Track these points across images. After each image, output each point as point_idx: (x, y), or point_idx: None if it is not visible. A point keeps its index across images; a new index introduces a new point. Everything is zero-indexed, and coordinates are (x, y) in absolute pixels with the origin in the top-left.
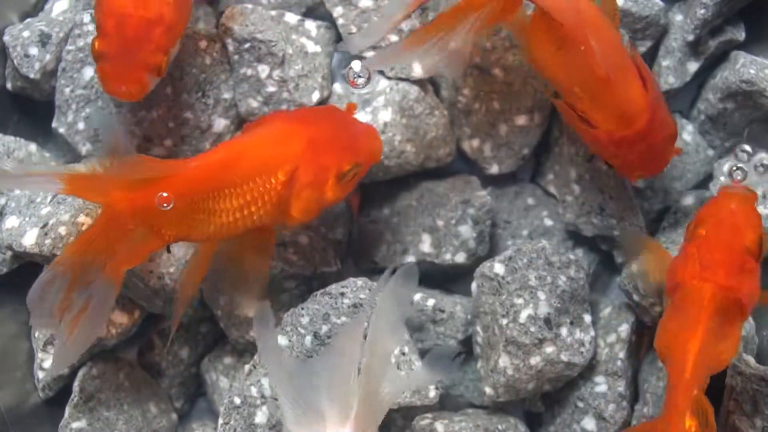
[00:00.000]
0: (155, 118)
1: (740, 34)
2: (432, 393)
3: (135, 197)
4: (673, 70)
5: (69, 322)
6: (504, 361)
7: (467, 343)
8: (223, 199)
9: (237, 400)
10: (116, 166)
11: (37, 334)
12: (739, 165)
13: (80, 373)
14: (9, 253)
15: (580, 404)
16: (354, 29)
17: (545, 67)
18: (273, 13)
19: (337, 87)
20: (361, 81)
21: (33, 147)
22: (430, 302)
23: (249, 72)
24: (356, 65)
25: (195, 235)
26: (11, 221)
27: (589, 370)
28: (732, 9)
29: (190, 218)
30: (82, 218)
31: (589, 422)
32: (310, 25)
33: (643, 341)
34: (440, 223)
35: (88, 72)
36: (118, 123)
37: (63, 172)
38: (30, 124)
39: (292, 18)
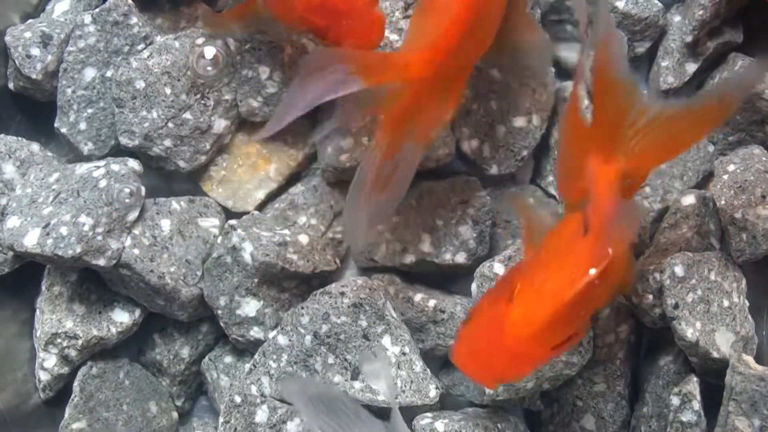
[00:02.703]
0: (155, 119)
1: (738, 36)
2: (432, 392)
3: (429, 58)
4: (672, 70)
5: (378, 186)
6: None
7: None
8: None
9: (237, 399)
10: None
11: (38, 334)
12: None
13: (80, 373)
14: (10, 254)
15: (579, 403)
16: None
17: None
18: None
19: None
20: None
21: (35, 147)
22: (431, 303)
23: (250, 73)
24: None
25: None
26: (12, 221)
27: (588, 369)
28: (730, 11)
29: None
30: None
31: (588, 421)
32: None
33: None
34: (440, 222)
35: (90, 73)
36: None
37: (355, 66)
38: (32, 124)
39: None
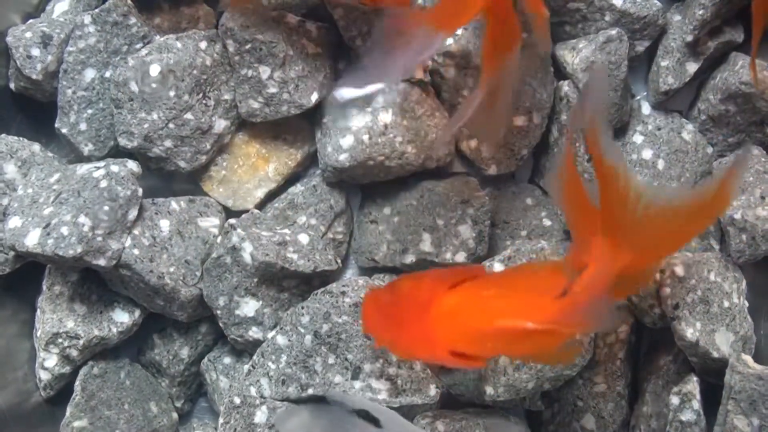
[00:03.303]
0: (156, 119)
1: (739, 36)
2: (432, 392)
3: None
4: (672, 70)
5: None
6: (504, 360)
7: None
8: None
9: (237, 400)
10: None
11: (39, 334)
12: None
13: (82, 372)
14: (11, 253)
15: (580, 403)
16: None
17: None
18: (274, 13)
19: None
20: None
21: (36, 147)
22: None
23: (250, 73)
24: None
25: None
26: (14, 221)
27: (588, 369)
28: (731, 10)
29: None
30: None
31: (588, 421)
32: (311, 26)
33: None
34: (440, 222)
35: (90, 73)
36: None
37: (431, 22)
38: (33, 124)
39: (292, 19)
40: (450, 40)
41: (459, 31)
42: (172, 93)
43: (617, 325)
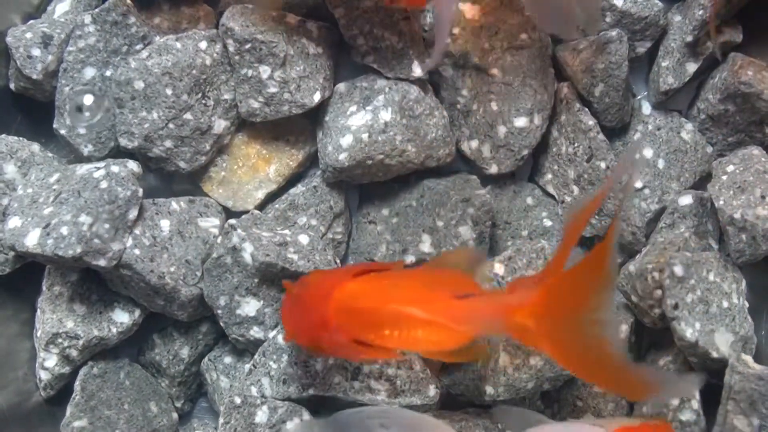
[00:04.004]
0: (155, 119)
1: (738, 36)
2: (432, 392)
3: None
4: (672, 70)
5: None
6: (504, 360)
7: None
8: None
9: (237, 400)
10: None
11: (39, 334)
12: None
13: (82, 372)
14: (11, 254)
15: (579, 403)
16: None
17: None
18: (274, 13)
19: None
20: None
21: (36, 147)
22: None
23: (250, 73)
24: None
25: None
26: (14, 221)
27: None
28: (730, 11)
29: None
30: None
31: (588, 421)
32: (312, 26)
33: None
34: (440, 223)
35: (89, 72)
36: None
37: None
38: (33, 124)
39: (293, 19)
40: (447, 39)
41: (456, 31)
42: (169, 92)
43: (491, 356)
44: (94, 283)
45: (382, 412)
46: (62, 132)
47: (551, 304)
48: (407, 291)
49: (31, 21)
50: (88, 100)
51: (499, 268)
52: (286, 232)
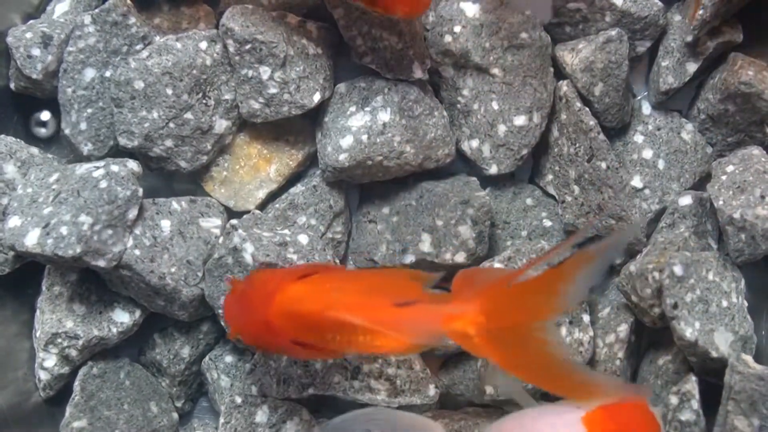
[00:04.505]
0: (156, 118)
1: (738, 36)
2: (432, 392)
3: None
4: (672, 70)
5: None
6: None
7: None
8: None
9: (238, 399)
10: None
11: (38, 334)
12: None
13: (81, 372)
14: (11, 253)
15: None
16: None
17: None
18: (274, 14)
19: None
20: None
21: (35, 148)
22: None
23: (250, 73)
24: None
25: None
26: (13, 221)
27: None
28: (730, 11)
29: None
30: None
31: None
32: (312, 26)
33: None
34: (440, 223)
35: (90, 73)
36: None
37: None
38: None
39: (293, 19)
40: (449, 38)
41: (456, 30)
42: (170, 91)
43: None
44: (94, 284)
45: (369, 414)
46: (66, 131)
47: (493, 314)
48: (348, 296)
49: (31, 21)
50: (45, 116)
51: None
52: (286, 232)
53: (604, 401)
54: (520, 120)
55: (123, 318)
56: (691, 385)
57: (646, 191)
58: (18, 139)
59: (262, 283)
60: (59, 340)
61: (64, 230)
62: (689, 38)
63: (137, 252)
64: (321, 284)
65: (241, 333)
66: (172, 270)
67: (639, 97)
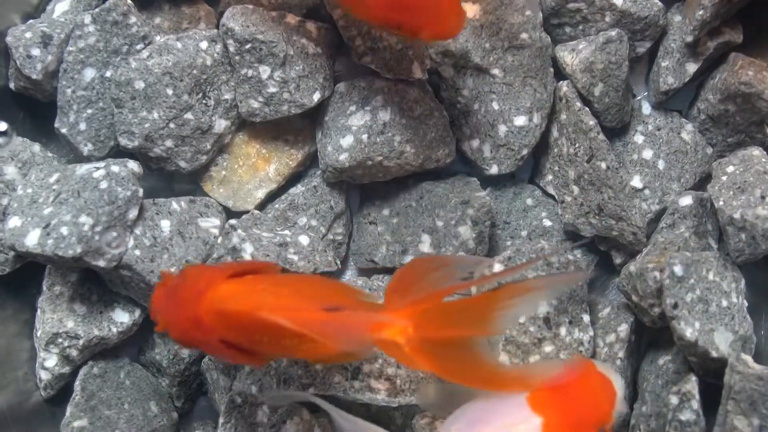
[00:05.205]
0: (156, 119)
1: (738, 36)
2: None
3: None
4: (672, 70)
5: None
6: (503, 360)
7: None
8: None
9: (238, 399)
10: None
11: (39, 334)
12: None
13: (82, 372)
14: (11, 254)
15: None
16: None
17: None
18: (274, 14)
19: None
20: None
21: (36, 147)
22: None
23: (250, 73)
24: None
25: None
26: (14, 221)
27: None
28: (730, 11)
29: None
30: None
31: None
32: (311, 26)
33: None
34: (440, 223)
35: (89, 73)
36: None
37: None
38: (33, 124)
39: (292, 19)
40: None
41: None
42: (170, 91)
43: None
44: (94, 284)
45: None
46: (63, 131)
47: (421, 326)
48: (278, 298)
49: (31, 21)
50: (2, 126)
51: (498, 269)
52: (287, 232)
53: (545, 382)
54: (520, 120)
55: (123, 318)
56: (691, 385)
57: (646, 191)
58: (24, 139)
59: (194, 278)
60: (60, 340)
61: (64, 230)
62: (689, 39)
63: (137, 252)
64: (253, 284)
65: (168, 327)
66: (172, 270)
67: (639, 98)
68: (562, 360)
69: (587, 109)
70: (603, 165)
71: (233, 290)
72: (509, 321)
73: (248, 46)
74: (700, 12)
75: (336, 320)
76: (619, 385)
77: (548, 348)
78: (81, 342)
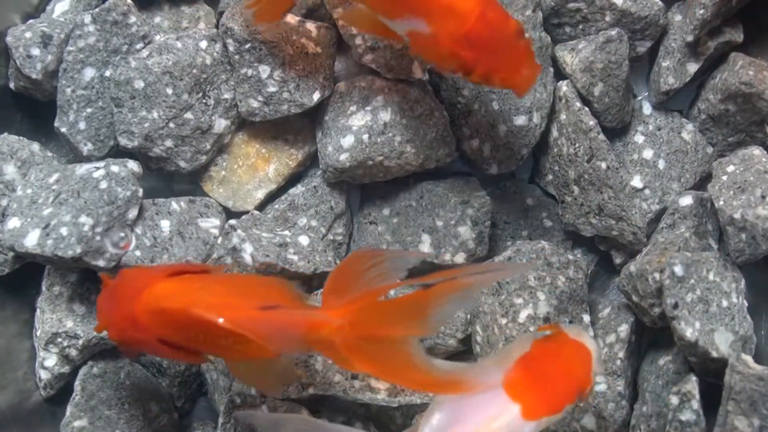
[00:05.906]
0: (156, 118)
1: (739, 36)
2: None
3: None
4: (672, 70)
5: None
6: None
7: (467, 342)
8: None
9: (237, 400)
10: None
11: (38, 334)
12: None
13: (81, 372)
14: (11, 254)
15: (580, 403)
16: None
17: None
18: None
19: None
20: None
21: (36, 147)
22: None
23: (250, 72)
24: None
25: None
26: (13, 222)
27: None
28: (731, 10)
29: None
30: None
31: (588, 421)
32: (311, 25)
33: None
34: (440, 223)
35: (89, 72)
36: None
37: None
38: (33, 123)
39: (292, 19)
40: None
41: None
42: (170, 91)
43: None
44: (94, 283)
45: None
46: (63, 130)
47: (357, 325)
48: (215, 297)
49: (31, 20)
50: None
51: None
52: (287, 233)
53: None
54: (520, 120)
55: None
56: (692, 385)
57: (647, 191)
58: (20, 138)
59: (132, 278)
60: (59, 340)
61: (64, 231)
62: (690, 38)
63: (138, 253)
64: (190, 283)
65: (108, 328)
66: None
67: (639, 97)
68: (531, 334)
69: (587, 109)
70: (603, 165)
71: (170, 289)
72: (444, 318)
73: (248, 45)
74: (701, 11)
75: (270, 318)
76: (591, 346)
77: None
78: (80, 342)
